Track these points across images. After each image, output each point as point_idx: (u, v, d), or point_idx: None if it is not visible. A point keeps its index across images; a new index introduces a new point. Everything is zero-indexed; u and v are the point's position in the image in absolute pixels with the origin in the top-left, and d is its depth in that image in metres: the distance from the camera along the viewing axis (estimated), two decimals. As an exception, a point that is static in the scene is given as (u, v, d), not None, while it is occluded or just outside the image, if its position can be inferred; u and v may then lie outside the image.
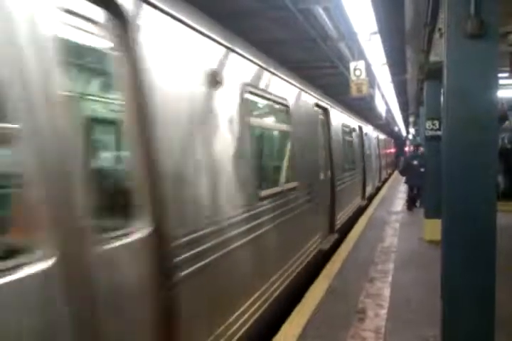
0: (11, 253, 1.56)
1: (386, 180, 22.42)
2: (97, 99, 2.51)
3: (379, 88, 12.30)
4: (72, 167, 1.81)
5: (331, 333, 3.75)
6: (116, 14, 2.15)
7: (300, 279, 4.99)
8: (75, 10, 1.95)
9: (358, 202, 10.70)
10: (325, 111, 6.87)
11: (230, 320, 3.08)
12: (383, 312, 4.17)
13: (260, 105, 4.60)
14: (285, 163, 5.10)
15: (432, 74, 6.62)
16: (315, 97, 6.31)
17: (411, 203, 11.23)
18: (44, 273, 1.60)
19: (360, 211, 10.66)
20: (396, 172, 29.53)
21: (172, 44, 2.67)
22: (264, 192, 3.98)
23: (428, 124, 7.11)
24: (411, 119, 19.89)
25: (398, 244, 7.15)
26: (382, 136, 21.47)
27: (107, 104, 2.52)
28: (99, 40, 2.12)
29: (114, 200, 2.26)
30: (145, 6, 2.41)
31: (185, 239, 2.53)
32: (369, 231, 8.36)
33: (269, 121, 5.03)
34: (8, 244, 1.64)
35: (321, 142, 6.86)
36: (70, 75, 1.92)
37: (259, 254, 3.83)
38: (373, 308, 4.27)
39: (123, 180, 2.35)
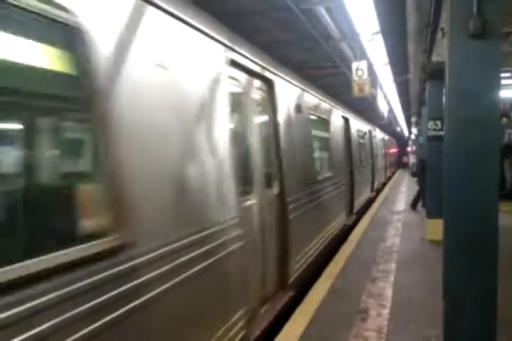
0: None
1: (390, 177, 24.85)
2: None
3: (381, 88, 12.30)
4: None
5: (333, 333, 3.75)
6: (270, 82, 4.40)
7: (335, 238, 7.40)
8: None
9: (368, 193, 13.02)
10: (347, 120, 8.44)
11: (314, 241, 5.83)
12: (385, 312, 4.17)
13: (315, 122, 6.72)
14: (327, 159, 7.50)
15: (434, 74, 6.61)
16: (341, 111, 8.14)
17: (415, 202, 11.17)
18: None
19: (369, 201, 12.99)
20: (398, 172, 29.56)
21: (289, 95, 5.17)
22: (326, 174, 7.06)
23: (430, 124, 7.11)
24: (413, 119, 19.84)
25: (400, 243, 7.15)
26: (386, 137, 23.43)
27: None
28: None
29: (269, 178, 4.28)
30: (279, 79, 4.72)
31: (291, 198, 4.71)
32: (371, 230, 8.37)
33: (319, 131, 6.98)
34: None
35: (345, 144, 9.05)
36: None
37: (324, 213, 6.77)
38: (375, 308, 4.27)
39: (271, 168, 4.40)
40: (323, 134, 7.45)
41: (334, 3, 5.81)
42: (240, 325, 3.15)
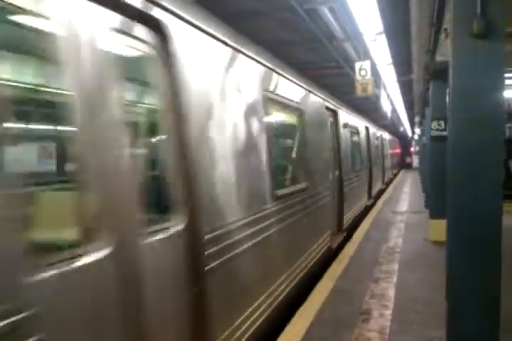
0: None
1: (396, 175, 27.00)
2: None
3: (384, 88, 12.28)
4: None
5: (335, 334, 3.74)
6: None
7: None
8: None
9: (379, 185, 15.91)
10: (334, 113, 8.01)
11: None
12: (388, 312, 4.16)
13: (278, 111, 5.00)
14: (296, 165, 5.98)
15: (438, 74, 6.59)
16: (326, 100, 7.52)
17: None
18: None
19: (381, 191, 16.11)
20: (401, 173, 29.50)
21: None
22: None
23: (434, 124, 7.09)
24: (416, 119, 19.80)
25: (403, 244, 7.14)
26: (388, 136, 23.74)
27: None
28: None
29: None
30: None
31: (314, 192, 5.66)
32: (374, 231, 8.35)
33: (285, 124, 5.68)
34: None
35: (332, 144, 8.29)
36: None
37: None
38: (378, 309, 4.26)
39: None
40: (295, 130, 5.47)
41: (337, 3, 5.80)
42: (328, 238, 6.44)
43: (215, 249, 2.75)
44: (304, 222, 5.14)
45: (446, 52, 5.16)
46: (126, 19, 2.17)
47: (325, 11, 6.11)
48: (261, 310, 3.52)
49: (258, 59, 4.00)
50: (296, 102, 5.23)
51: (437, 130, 7.06)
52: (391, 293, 4.73)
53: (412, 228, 8.58)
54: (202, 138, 2.77)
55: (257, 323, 3.41)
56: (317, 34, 6.86)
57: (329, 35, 7.30)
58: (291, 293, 4.39)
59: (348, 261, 6.15)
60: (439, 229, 6.41)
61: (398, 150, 33.03)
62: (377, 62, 8.46)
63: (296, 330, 3.81)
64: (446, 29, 4.67)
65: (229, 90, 3.29)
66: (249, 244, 3.34)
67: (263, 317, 3.54)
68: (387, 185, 19.57)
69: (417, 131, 22.65)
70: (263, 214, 3.71)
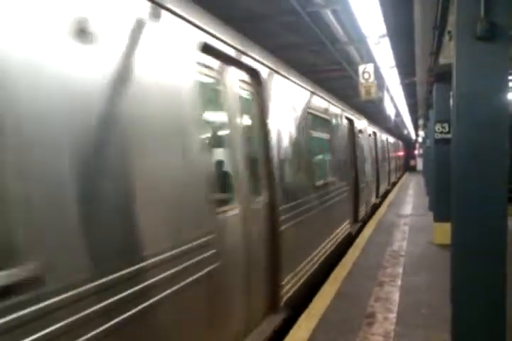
0: None
1: (399, 178, 27.13)
2: None
3: (388, 91, 12.27)
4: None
5: (340, 337, 3.73)
6: None
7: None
8: None
9: (385, 185, 16.82)
10: (375, 134, 10.80)
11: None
12: (392, 316, 4.14)
13: (364, 138, 10.30)
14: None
15: (441, 76, 6.59)
16: (373, 128, 10.04)
17: None
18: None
19: (387, 191, 17.24)
20: (405, 176, 29.42)
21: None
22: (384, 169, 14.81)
23: (437, 127, 7.08)
24: (420, 122, 19.76)
25: (407, 247, 7.11)
26: (396, 142, 26.27)
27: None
28: None
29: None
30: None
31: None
32: (378, 234, 8.32)
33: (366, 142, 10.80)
34: None
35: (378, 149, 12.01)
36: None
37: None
38: (382, 312, 4.24)
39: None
40: (327, 136, 6.65)
41: (341, 6, 5.82)
42: (349, 225, 7.82)
43: (285, 216, 4.17)
44: (334, 206, 6.65)
45: (449, 54, 5.15)
46: (242, 71, 3.61)
47: (328, 14, 6.12)
48: (311, 263, 5.09)
49: (305, 86, 5.55)
50: (327, 114, 6.74)
51: (441, 133, 7.04)
52: (395, 296, 4.70)
53: (416, 231, 8.54)
54: (278, 144, 4.20)
55: (308, 273, 4.91)
56: (320, 37, 6.87)
57: (332, 38, 7.31)
58: (328, 256, 6.07)
59: (353, 264, 6.13)
60: (443, 232, 6.39)
61: (402, 153, 32.95)
62: (380, 65, 8.46)
63: (301, 333, 3.80)
64: (449, 31, 4.67)
65: (292, 110, 4.87)
66: (305, 216, 4.89)
67: (311, 271, 5.06)
68: (393, 185, 21.09)
69: (421, 133, 22.62)
70: (311, 196, 5.33)
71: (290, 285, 4.22)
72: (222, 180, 3.22)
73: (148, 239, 2.14)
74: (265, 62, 4.05)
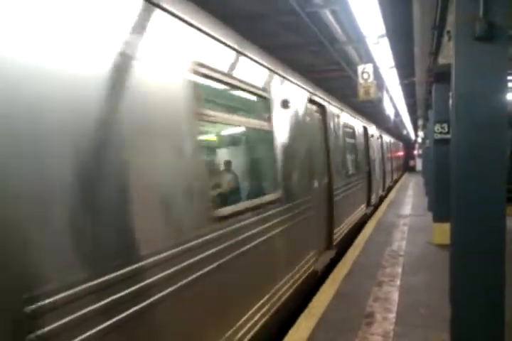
0: None
1: (400, 177, 28.55)
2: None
3: (387, 91, 12.27)
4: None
5: (339, 337, 3.73)
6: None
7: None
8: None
9: (389, 181, 19.06)
10: (381, 137, 12.46)
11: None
12: (392, 316, 4.14)
13: (374, 141, 13.12)
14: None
15: (441, 77, 6.59)
16: (380, 132, 11.36)
17: None
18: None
19: (390, 187, 19.23)
20: (405, 177, 29.43)
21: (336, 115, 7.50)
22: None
23: (437, 127, 7.07)
24: (420, 122, 19.76)
25: (406, 247, 7.11)
26: (396, 142, 27.84)
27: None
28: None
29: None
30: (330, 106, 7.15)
31: (336, 186, 6.78)
32: (378, 234, 8.33)
33: (375, 144, 13.67)
34: None
35: (386, 151, 14.24)
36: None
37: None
38: (381, 312, 4.24)
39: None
40: (356, 140, 10.11)
41: (339, 6, 5.81)
42: (365, 207, 10.41)
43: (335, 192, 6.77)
44: (357, 192, 9.21)
45: (449, 54, 5.16)
46: (314, 106, 6.07)
47: (327, 14, 6.12)
48: (347, 224, 7.63)
49: (342, 107, 8.11)
50: (353, 125, 9.57)
51: (440, 133, 7.04)
52: (395, 296, 4.71)
53: (415, 231, 8.55)
54: (333, 152, 6.80)
55: (346, 229, 7.55)
56: (319, 37, 6.87)
57: (331, 38, 7.31)
58: (356, 223, 8.75)
59: (352, 263, 6.13)
60: (442, 232, 6.39)
61: (402, 154, 32.96)
62: (379, 65, 8.46)
63: (300, 333, 3.80)
64: (449, 32, 4.67)
65: (338, 125, 7.44)
66: (344, 194, 7.53)
67: (347, 228, 7.65)
68: (395, 182, 23.54)
69: (420, 134, 22.62)
70: (346, 181, 7.92)
71: (337, 235, 6.72)
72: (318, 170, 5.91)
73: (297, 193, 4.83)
74: (326, 98, 6.73)
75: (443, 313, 3.49)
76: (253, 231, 3.46)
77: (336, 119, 7.29)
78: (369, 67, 7.89)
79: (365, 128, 11.70)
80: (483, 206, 2.81)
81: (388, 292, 4.85)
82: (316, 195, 5.59)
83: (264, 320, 3.57)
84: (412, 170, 35.89)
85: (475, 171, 2.82)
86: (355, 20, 5.71)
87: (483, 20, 2.66)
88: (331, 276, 5.55)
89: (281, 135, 4.35)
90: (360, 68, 7.98)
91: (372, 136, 12.98)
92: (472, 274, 2.85)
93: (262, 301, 3.56)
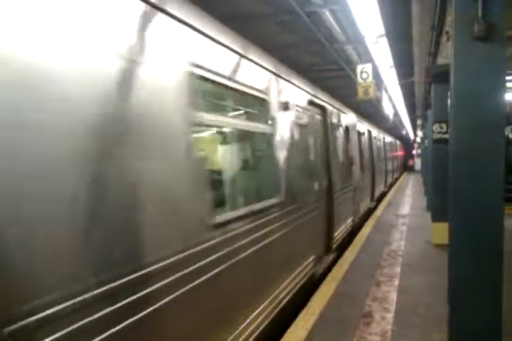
0: None
1: (400, 175, 29.27)
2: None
3: (386, 91, 12.28)
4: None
5: (337, 336, 3.73)
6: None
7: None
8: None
9: (390, 180, 20.24)
10: (384, 138, 12.63)
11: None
12: (390, 315, 4.15)
13: (376, 143, 14.75)
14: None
15: (439, 76, 6.59)
16: (382, 134, 12.28)
17: None
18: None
19: (391, 185, 20.67)
20: (404, 177, 29.46)
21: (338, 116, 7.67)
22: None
23: (435, 127, 7.08)
24: (418, 122, 19.79)
25: (405, 247, 7.12)
26: (394, 142, 27.47)
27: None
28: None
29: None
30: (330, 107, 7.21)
31: (336, 188, 6.88)
32: (376, 233, 8.33)
33: (378, 145, 15.28)
34: None
35: (389, 151, 15.71)
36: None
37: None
38: (380, 312, 4.25)
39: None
40: (366, 144, 12.47)
41: (339, 6, 5.82)
42: (369, 202, 11.69)
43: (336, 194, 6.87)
44: (361, 188, 10.04)
45: (447, 54, 5.17)
46: (316, 108, 6.14)
47: (326, 14, 6.12)
48: (347, 225, 7.76)
49: (343, 109, 8.21)
50: (363, 130, 11.30)
51: (439, 133, 7.04)
52: (393, 296, 4.71)
53: (414, 231, 8.56)
54: (334, 151, 6.99)
55: (347, 230, 7.60)
56: (319, 37, 6.88)
57: (331, 38, 7.32)
58: (361, 219, 9.64)
59: (351, 263, 6.14)
60: (441, 231, 6.40)
61: (401, 153, 33.00)
62: (378, 65, 8.47)
63: (299, 332, 3.81)
64: (447, 32, 4.68)
65: (340, 127, 7.78)
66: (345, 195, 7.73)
67: (348, 228, 7.83)
68: (396, 180, 24.87)
69: (419, 133, 22.65)
70: (349, 181, 8.31)
71: (338, 237, 6.91)
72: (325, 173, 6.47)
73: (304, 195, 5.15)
74: (326, 100, 6.84)
75: (441, 313, 3.50)
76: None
77: (338, 120, 7.74)
78: (368, 67, 7.91)
79: (369, 132, 12.91)
80: (482, 206, 2.81)
81: (387, 292, 4.86)
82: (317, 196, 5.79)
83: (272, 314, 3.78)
84: (411, 169, 35.93)
85: (473, 171, 2.83)
86: (354, 20, 5.72)
87: (482, 20, 2.66)
88: (330, 276, 5.55)
89: (284, 137, 4.41)
90: (359, 68, 7.99)
91: (375, 138, 14.46)
92: (470, 274, 2.85)
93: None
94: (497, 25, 2.66)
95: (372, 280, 5.28)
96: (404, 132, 32.85)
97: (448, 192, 3.01)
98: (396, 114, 19.17)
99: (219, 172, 4.05)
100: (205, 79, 2.85)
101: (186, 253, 2.45)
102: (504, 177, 2.79)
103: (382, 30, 6.11)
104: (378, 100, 12.70)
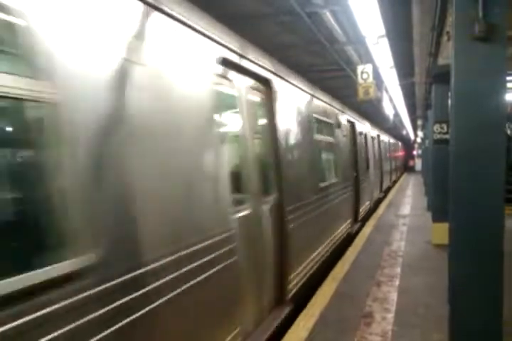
0: None
1: (401, 175, 30.52)
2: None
3: (387, 91, 12.28)
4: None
5: (338, 337, 3.74)
6: None
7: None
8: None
9: (394, 177, 22.39)
10: (389, 141, 13.89)
11: None
12: (390, 316, 4.15)
13: (383, 145, 17.41)
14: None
15: (440, 77, 6.59)
16: (387, 136, 14.15)
17: None
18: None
19: (395, 181, 23.41)
20: (404, 177, 29.45)
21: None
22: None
23: (436, 127, 7.08)
24: (419, 123, 19.79)
25: (405, 247, 7.12)
26: (399, 143, 30.56)
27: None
28: None
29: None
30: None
31: (361, 178, 9.78)
32: (377, 234, 8.33)
33: (384, 147, 17.74)
34: None
35: (393, 152, 18.33)
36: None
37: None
38: (380, 312, 4.25)
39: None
40: (377, 148, 15.25)
41: (339, 7, 5.82)
42: (378, 193, 14.11)
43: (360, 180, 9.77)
44: (373, 181, 12.36)
45: (448, 55, 5.17)
46: (349, 123, 8.68)
47: (327, 15, 6.12)
48: (367, 206, 10.07)
49: (364, 122, 11.04)
50: (374, 135, 13.32)
51: (439, 133, 7.04)
52: (393, 296, 4.71)
53: (414, 231, 8.56)
54: (359, 153, 9.85)
55: (318, 260, 5.60)
56: (319, 37, 6.88)
57: (331, 39, 7.32)
58: (374, 205, 12.12)
59: (351, 264, 6.14)
60: (441, 232, 6.39)
61: (401, 154, 33.00)
62: (379, 66, 8.47)
63: (299, 332, 3.81)
64: (448, 32, 4.68)
65: (362, 134, 10.42)
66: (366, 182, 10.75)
67: (367, 209, 10.10)
68: (398, 179, 26.68)
69: (420, 134, 22.65)
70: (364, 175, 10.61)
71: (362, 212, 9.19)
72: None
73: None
74: (354, 117, 9.00)
75: (441, 313, 3.50)
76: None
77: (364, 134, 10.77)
78: (368, 67, 7.90)
79: (378, 136, 15.14)
80: (482, 206, 2.81)
81: (387, 292, 4.86)
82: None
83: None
84: (411, 170, 35.90)
85: (474, 171, 2.83)
86: (355, 20, 5.72)
87: (482, 20, 2.66)
88: (330, 276, 5.55)
89: (338, 145, 7.55)
90: (359, 68, 7.99)
91: (382, 141, 16.90)
92: (470, 274, 2.85)
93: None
94: (497, 26, 2.66)
95: (373, 281, 5.28)
96: (404, 132, 32.83)
97: (448, 192, 3.01)
98: (397, 115, 19.17)
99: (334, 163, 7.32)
100: (319, 120, 6.11)
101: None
102: (505, 177, 2.79)
103: (382, 31, 6.10)
104: (379, 100, 12.70)
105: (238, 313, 3.14)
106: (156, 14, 2.43)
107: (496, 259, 2.78)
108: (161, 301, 2.23)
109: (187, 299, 2.47)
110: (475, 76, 2.79)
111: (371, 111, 17.33)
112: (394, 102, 14.84)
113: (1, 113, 2.00)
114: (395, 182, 22.98)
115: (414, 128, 27.14)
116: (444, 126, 6.91)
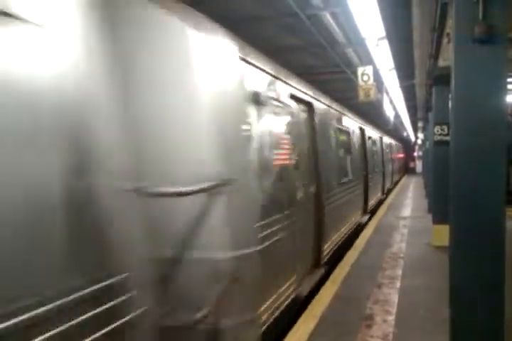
0: None
1: (402, 176, 30.87)
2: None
3: (387, 93, 12.28)
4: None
5: (339, 339, 3.73)
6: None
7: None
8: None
9: (396, 178, 24.36)
10: (391, 144, 15.53)
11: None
12: (391, 318, 4.14)
13: (386, 147, 18.71)
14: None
15: (440, 79, 6.60)
16: (390, 140, 16.13)
17: None
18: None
19: (396, 182, 24.26)
20: (405, 178, 29.44)
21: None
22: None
23: (436, 129, 7.08)
24: (420, 124, 19.79)
25: (406, 249, 7.11)
26: (400, 144, 31.49)
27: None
28: None
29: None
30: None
31: (369, 176, 11.47)
32: (377, 235, 8.32)
33: (387, 150, 19.19)
34: None
35: (395, 153, 20.59)
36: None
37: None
38: (381, 314, 4.24)
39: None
40: (384, 150, 17.41)
41: (340, 9, 5.83)
42: (380, 194, 14.69)
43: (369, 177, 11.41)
44: (378, 182, 14.05)
45: (448, 57, 5.17)
46: (360, 130, 10.55)
47: (327, 17, 6.13)
48: (344, 231, 7.54)
49: (372, 128, 13.02)
50: (377, 138, 14.87)
51: (440, 135, 7.04)
52: (394, 298, 4.70)
53: (414, 233, 8.55)
54: (369, 154, 11.71)
55: (341, 238, 7.07)
56: (319, 39, 6.89)
57: (331, 41, 7.33)
58: (379, 201, 13.60)
59: (352, 265, 6.13)
60: (441, 234, 6.38)
61: (402, 155, 33.00)
62: (379, 67, 8.47)
63: (299, 335, 3.80)
64: (448, 34, 4.69)
65: (370, 139, 12.24)
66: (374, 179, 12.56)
67: (345, 237, 7.68)
68: (399, 180, 27.68)
69: (421, 136, 22.65)
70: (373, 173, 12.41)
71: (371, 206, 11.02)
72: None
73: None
74: (365, 124, 11.41)
75: (442, 315, 3.49)
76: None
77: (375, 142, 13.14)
78: (369, 69, 7.91)
79: (381, 138, 16.18)
80: (483, 208, 2.81)
81: (388, 294, 4.85)
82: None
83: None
84: (412, 171, 35.86)
85: (474, 173, 2.83)
86: (355, 22, 5.72)
87: (483, 22, 2.66)
88: (331, 278, 5.54)
89: (355, 148, 9.33)
90: (360, 70, 8.00)
91: (387, 145, 19.45)
92: (471, 276, 2.85)
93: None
94: (497, 27, 2.67)
95: (374, 283, 5.27)
96: (405, 134, 32.81)
97: (449, 194, 3.01)
98: (397, 116, 19.16)
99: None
100: (340, 129, 7.58)
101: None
102: (506, 179, 2.79)
103: (382, 33, 6.11)
104: (379, 102, 12.70)
105: (295, 266, 4.49)
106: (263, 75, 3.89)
107: (497, 260, 2.78)
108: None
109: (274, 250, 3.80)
110: (475, 77, 2.80)
111: (372, 113, 17.34)
112: (394, 104, 14.84)
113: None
114: (395, 183, 23.25)
115: (415, 130, 27.13)
116: (445, 127, 6.91)
